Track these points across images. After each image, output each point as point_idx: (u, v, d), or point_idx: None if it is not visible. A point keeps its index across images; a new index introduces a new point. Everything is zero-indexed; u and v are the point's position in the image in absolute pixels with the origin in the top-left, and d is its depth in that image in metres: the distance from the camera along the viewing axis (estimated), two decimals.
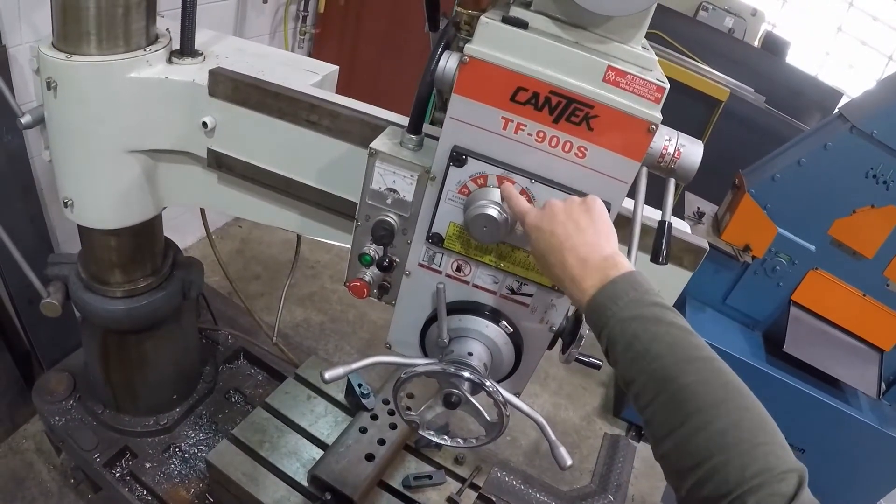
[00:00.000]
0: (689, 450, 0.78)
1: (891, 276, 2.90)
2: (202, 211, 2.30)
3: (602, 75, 0.98)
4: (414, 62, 3.99)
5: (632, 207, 1.16)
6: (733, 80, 4.12)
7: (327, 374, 1.16)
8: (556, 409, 3.69)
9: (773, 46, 5.27)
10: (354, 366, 1.19)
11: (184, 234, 3.71)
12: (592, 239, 0.95)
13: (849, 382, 3.00)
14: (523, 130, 1.03)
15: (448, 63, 1.05)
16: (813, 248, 2.94)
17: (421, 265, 1.24)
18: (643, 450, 3.55)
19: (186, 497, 2.09)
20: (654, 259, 1.15)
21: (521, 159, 1.06)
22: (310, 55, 3.94)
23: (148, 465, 2.15)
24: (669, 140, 1.08)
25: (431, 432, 1.26)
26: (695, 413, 0.79)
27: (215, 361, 2.52)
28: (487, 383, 1.14)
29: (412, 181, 1.17)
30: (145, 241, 1.85)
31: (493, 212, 1.05)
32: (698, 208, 3.17)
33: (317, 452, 1.91)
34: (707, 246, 1.43)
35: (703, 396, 0.80)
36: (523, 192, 1.08)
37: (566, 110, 1.00)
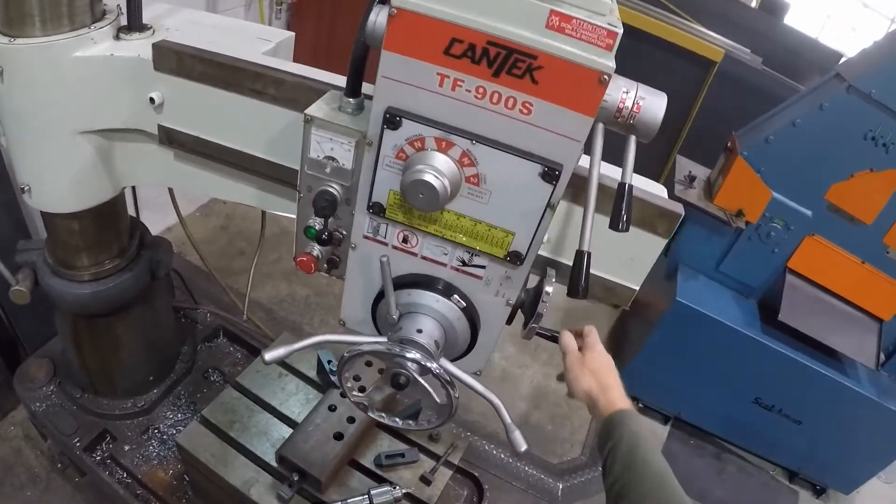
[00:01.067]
0: None
1: (890, 243, 2.81)
2: (171, 194, 2.25)
3: (545, 21, 0.88)
4: None
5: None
6: (728, 41, 3.98)
7: (267, 356, 1.12)
8: (546, 379, 3.65)
9: (772, 7, 5.08)
10: (297, 346, 1.14)
11: (165, 213, 3.66)
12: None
13: (846, 353, 2.92)
14: (461, 87, 0.95)
15: (378, 17, 0.97)
16: (809, 213, 2.84)
17: (366, 237, 1.17)
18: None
19: (165, 479, 2.08)
20: (613, 225, 1.07)
21: (461, 119, 0.98)
22: (288, 27, 3.84)
23: (127, 448, 2.16)
24: (627, 92, 0.98)
25: (382, 414, 1.21)
26: None
27: (194, 340, 2.50)
28: (433, 364, 1.08)
29: (350, 148, 1.10)
30: (109, 222, 1.81)
31: (429, 177, 0.97)
32: (690, 172, 3.07)
33: (287, 431, 1.87)
34: (682, 211, 1.34)
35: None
36: (464, 154, 1.00)
37: (506, 62, 0.91)
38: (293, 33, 1.70)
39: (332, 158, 1.12)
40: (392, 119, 0.99)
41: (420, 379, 1.10)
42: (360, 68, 1.10)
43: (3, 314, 2.66)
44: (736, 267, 3.11)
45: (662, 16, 3.95)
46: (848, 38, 7.10)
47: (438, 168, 0.99)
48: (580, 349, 1.35)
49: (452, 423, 2.32)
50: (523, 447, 1.15)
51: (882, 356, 3.00)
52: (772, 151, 2.77)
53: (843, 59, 3.98)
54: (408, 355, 1.08)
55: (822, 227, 2.86)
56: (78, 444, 2.12)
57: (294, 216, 1.50)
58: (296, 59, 1.58)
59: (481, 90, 0.95)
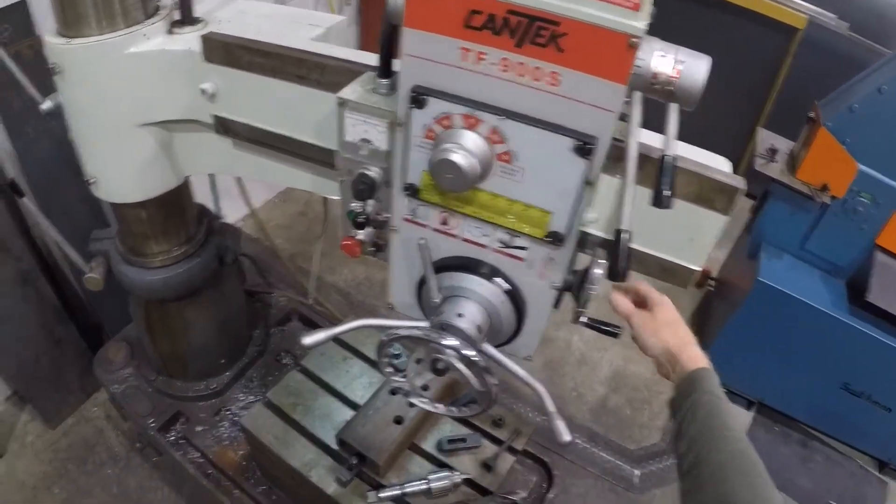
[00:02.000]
0: None
1: None
2: (240, 183, 2.32)
3: None
4: None
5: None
6: (812, 6, 3.72)
7: (306, 340, 1.12)
8: (625, 362, 3.55)
9: None
10: (336, 330, 1.15)
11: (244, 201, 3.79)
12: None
13: None
14: (485, 60, 0.91)
15: None
16: None
17: (406, 219, 1.17)
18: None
19: (234, 459, 2.15)
20: (655, 202, 1.01)
21: (487, 93, 0.94)
22: (359, 13, 3.87)
23: (199, 429, 2.24)
24: (664, 56, 0.91)
25: (423, 399, 1.20)
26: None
27: (266, 324, 2.56)
28: (469, 351, 1.05)
29: (384, 129, 1.09)
30: (175, 210, 1.88)
31: (455, 157, 0.94)
32: (772, 145, 2.89)
33: (349, 415, 1.89)
34: (743, 185, 1.25)
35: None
36: (493, 130, 0.97)
37: (529, 31, 0.86)
38: (344, 17, 1.72)
39: (368, 140, 1.12)
40: (418, 98, 0.97)
41: (459, 364, 1.09)
42: (389, 48, 1.08)
43: (87, 300, 2.83)
44: (822, 245, 2.91)
45: None
46: None
47: (466, 146, 0.96)
48: (640, 307, 1.30)
49: (525, 406, 2.30)
50: (566, 437, 1.11)
51: None
52: (857, 121, 2.56)
53: None
54: (443, 342, 1.06)
55: None
56: (153, 424, 2.22)
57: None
58: (367, 46, 1.58)
59: (506, 62, 0.91)
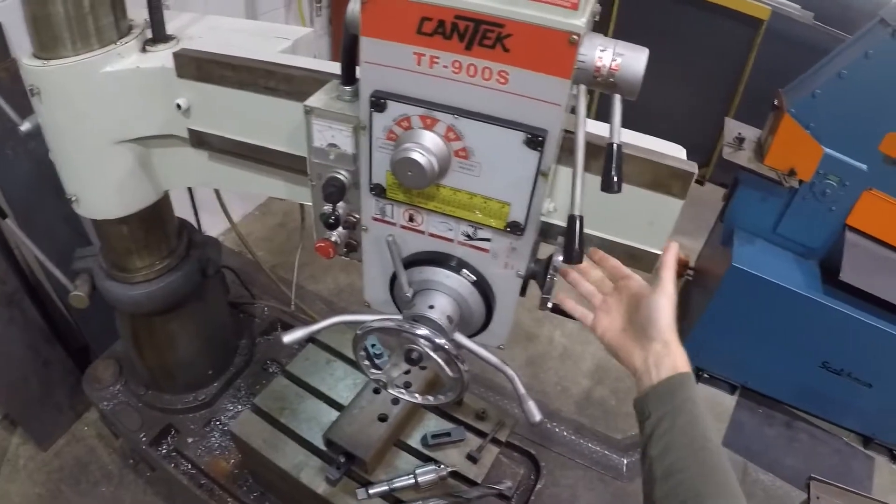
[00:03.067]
0: None
1: None
2: (217, 195, 2.35)
3: None
4: None
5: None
6: None
7: (286, 338, 1.17)
8: (608, 354, 3.59)
9: None
10: (314, 327, 1.19)
11: (223, 214, 3.82)
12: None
13: None
14: (437, 63, 0.97)
15: (354, 6, 1.01)
16: (864, 167, 2.70)
17: (375, 218, 1.21)
18: (702, 391, 3.44)
19: (226, 467, 2.18)
20: (605, 187, 1.06)
21: (442, 94, 1.00)
22: (330, 23, 3.91)
23: (190, 440, 2.26)
24: (604, 50, 0.95)
25: (401, 390, 1.24)
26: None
27: (252, 334, 2.60)
28: (440, 340, 1.10)
29: (349, 133, 1.14)
30: (155, 224, 1.91)
31: (415, 155, 1.00)
32: (739, 133, 2.98)
33: (335, 416, 1.93)
34: (695, 169, 1.31)
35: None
36: (449, 129, 1.02)
37: (476, 34, 0.92)
38: (311, 29, 1.76)
39: (335, 145, 1.16)
40: (378, 102, 1.02)
41: (432, 354, 1.13)
42: (352, 56, 1.13)
43: (72, 320, 2.85)
44: (793, 228, 3.00)
45: None
46: None
47: (424, 144, 1.02)
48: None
49: (507, 400, 2.34)
50: (537, 417, 1.16)
51: None
52: (819, 106, 2.64)
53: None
54: (416, 332, 1.11)
55: (880, 180, 2.72)
56: (144, 438, 2.24)
57: None
58: (338, 56, 1.63)
59: (457, 64, 0.96)
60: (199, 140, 1.59)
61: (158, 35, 1.57)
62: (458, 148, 1.04)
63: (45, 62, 1.44)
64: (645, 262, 1.44)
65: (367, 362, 1.25)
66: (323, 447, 1.85)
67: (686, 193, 1.32)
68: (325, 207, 1.25)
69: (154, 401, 2.33)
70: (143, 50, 1.56)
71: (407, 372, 1.93)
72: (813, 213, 2.90)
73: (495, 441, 1.96)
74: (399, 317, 1.21)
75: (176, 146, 1.67)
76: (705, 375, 3.45)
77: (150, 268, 1.95)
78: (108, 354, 2.49)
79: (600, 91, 1.03)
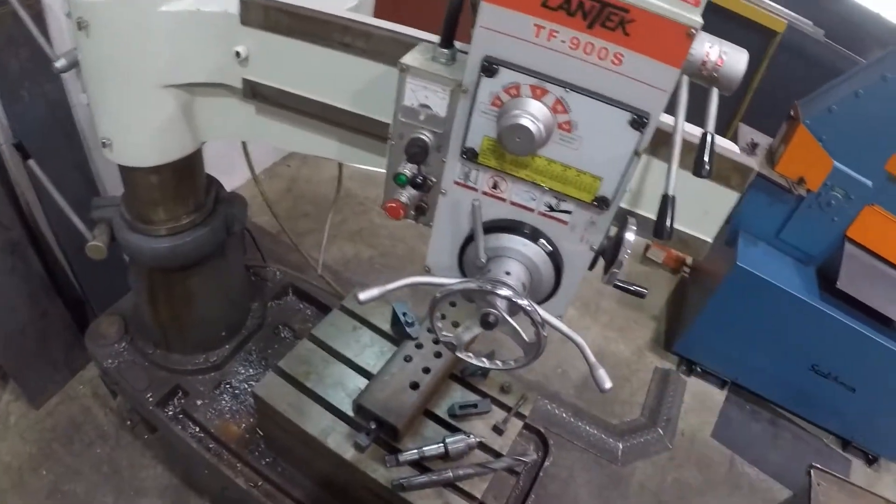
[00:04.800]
0: None
1: None
2: (244, 149, 2.31)
3: None
4: None
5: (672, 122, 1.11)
6: (791, 12, 3.91)
7: (362, 295, 1.16)
8: (606, 342, 3.69)
9: None
10: (390, 286, 1.19)
11: (230, 174, 3.72)
12: None
13: None
14: (556, 37, 0.98)
15: None
16: (869, 183, 2.81)
17: (457, 183, 1.21)
18: (693, 384, 3.54)
19: (237, 432, 2.15)
20: (697, 171, 1.09)
21: (555, 68, 1.01)
22: None
23: (199, 403, 2.22)
24: (712, 46, 1.03)
25: (469, 354, 1.25)
26: None
27: (263, 298, 2.56)
28: (524, 302, 1.12)
29: (445, 96, 1.14)
30: (186, 177, 1.86)
31: (526, 121, 1.01)
32: (752, 139, 3.06)
33: (362, 382, 1.93)
34: (755, 166, 1.36)
35: None
36: (558, 101, 1.03)
37: (600, 15, 0.95)
38: None
39: (427, 106, 1.16)
40: (489, 67, 1.03)
41: (509, 318, 1.15)
42: (454, 20, 1.13)
43: (73, 274, 2.77)
44: (796, 235, 3.09)
45: None
46: None
47: (533, 113, 1.03)
48: None
49: (516, 380, 2.37)
50: (607, 384, 1.18)
51: None
52: (834, 121, 2.74)
53: None
54: (500, 293, 1.11)
55: (882, 197, 2.84)
56: (150, 399, 2.18)
57: (375, 168, 1.55)
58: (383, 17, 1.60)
59: (575, 41, 0.98)
60: (253, 91, 1.55)
61: None
62: (564, 121, 1.06)
63: None
64: (694, 248, 1.48)
65: (440, 324, 1.25)
66: (350, 413, 1.84)
67: (744, 187, 1.36)
68: (402, 167, 1.25)
69: (162, 360, 2.27)
70: None
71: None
72: (816, 221, 2.99)
73: (519, 415, 1.98)
74: (469, 280, 1.21)
75: (223, 96, 1.63)
76: (698, 369, 3.56)
77: (175, 221, 1.90)
78: (112, 310, 2.41)
79: (700, 83, 1.07)
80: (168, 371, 2.27)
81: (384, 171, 1.33)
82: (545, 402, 2.93)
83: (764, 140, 3.11)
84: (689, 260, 4.00)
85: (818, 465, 2.09)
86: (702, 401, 3.48)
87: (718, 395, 3.51)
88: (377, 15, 1.51)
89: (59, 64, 1.58)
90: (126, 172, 1.83)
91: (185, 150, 1.74)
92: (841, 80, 2.88)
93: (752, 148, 3.00)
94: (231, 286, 2.26)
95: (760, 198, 3.03)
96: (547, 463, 2.13)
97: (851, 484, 2.18)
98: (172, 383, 2.25)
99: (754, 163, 1.36)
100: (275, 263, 2.75)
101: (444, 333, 1.25)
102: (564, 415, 2.90)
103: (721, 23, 3.92)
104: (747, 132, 3.14)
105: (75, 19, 1.42)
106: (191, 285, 2.10)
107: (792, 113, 2.95)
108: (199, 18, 1.46)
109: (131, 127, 1.64)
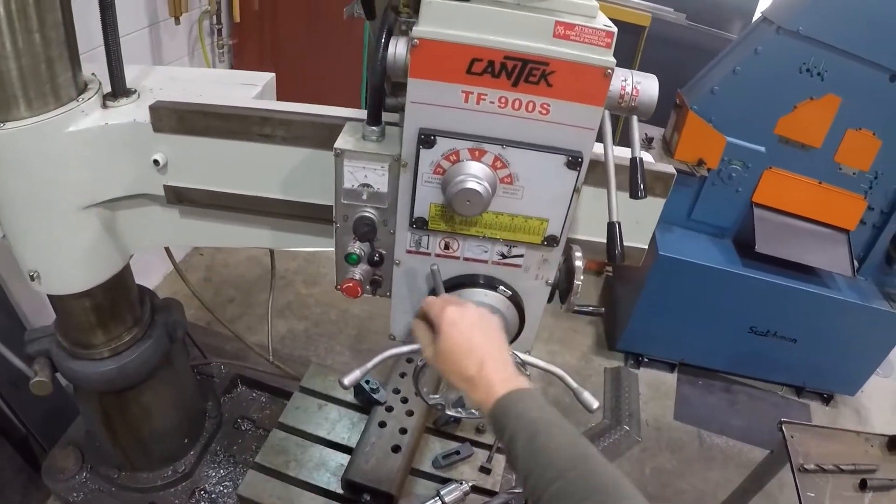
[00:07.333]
0: None
1: (841, 161, 3.02)
2: (168, 251, 2.25)
3: (552, 31, 0.99)
4: (339, 54, 3.93)
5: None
6: (653, 4, 4.16)
7: (346, 380, 1.17)
8: (551, 355, 3.77)
9: None
10: (369, 364, 1.20)
11: (148, 274, 3.64)
12: (501, 354, 1.10)
13: (823, 267, 3.13)
14: (485, 99, 1.04)
15: (398, 49, 1.05)
16: (763, 149, 3.03)
17: (409, 251, 1.24)
18: (645, 375, 3.67)
19: None
20: (633, 195, 1.17)
21: (489, 127, 1.07)
22: (231, 67, 3.85)
23: None
24: (625, 80, 1.11)
25: (459, 410, 1.28)
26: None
27: (215, 394, 2.48)
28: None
29: (384, 172, 1.17)
30: (120, 293, 1.79)
31: (473, 184, 1.06)
32: (646, 134, 3.24)
33: (343, 458, 1.91)
34: (674, 171, 1.46)
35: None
36: (497, 158, 1.08)
37: (523, 72, 1.01)
38: (273, 74, 1.72)
39: (368, 185, 1.19)
40: (426, 139, 1.07)
41: None
42: (380, 98, 1.17)
43: (11, 411, 2.60)
44: (706, 212, 3.29)
45: None
46: None
47: (477, 174, 1.08)
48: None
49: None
50: (595, 405, 1.26)
51: (856, 263, 3.21)
52: (718, 100, 2.94)
53: (758, 1, 4.21)
54: None
55: (777, 159, 3.06)
56: None
57: (311, 249, 1.55)
58: None
59: (503, 100, 1.04)
60: (177, 197, 1.52)
61: (119, 89, 1.46)
62: (504, 175, 1.11)
63: (2, 124, 1.30)
64: (632, 257, 1.58)
65: (425, 389, 1.27)
66: (340, 491, 1.82)
67: (668, 193, 1.47)
68: (352, 247, 1.26)
69: (130, 482, 2.15)
70: (104, 105, 1.45)
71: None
72: (722, 196, 3.19)
73: (500, 450, 2.00)
74: None
75: (146, 205, 1.59)
76: (645, 359, 3.69)
77: (117, 340, 1.83)
78: (64, 441, 2.27)
79: (620, 114, 1.15)
80: (139, 492, 2.16)
81: (318, 249, 1.35)
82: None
83: (657, 132, 3.30)
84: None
85: (787, 419, 2.22)
86: (656, 388, 3.61)
87: (671, 379, 3.65)
88: (280, 98, 1.51)
89: None
90: (57, 300, 1.74)
91: (115, 267, 1.68)
92: (717, 61, 3.10)
93: (648, 143, 3.17)
94: (184, 392, 2.19)
95: None
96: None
97: (820, 427, 2.33)
98: (146, 502, 2.14)
99: (672, 168, 1.46)
100: (216, 357, 2.67)
101: (431, 397, 1.27)
102: None
103: None
104: (638, 128, 3.31)
105: None
106: (145, 401, 2.02)
107: (678, 101, 3.15)
108: (108, 133, 1.41)
109: (58, 254, 1.56)
